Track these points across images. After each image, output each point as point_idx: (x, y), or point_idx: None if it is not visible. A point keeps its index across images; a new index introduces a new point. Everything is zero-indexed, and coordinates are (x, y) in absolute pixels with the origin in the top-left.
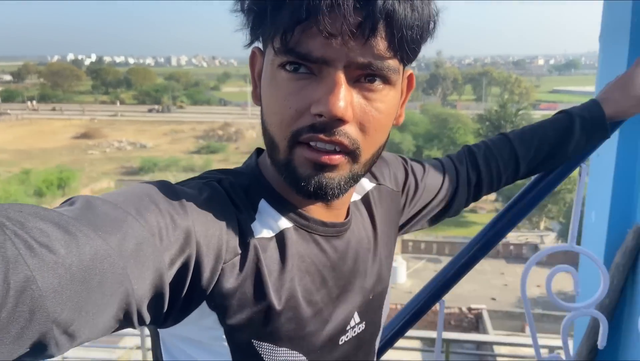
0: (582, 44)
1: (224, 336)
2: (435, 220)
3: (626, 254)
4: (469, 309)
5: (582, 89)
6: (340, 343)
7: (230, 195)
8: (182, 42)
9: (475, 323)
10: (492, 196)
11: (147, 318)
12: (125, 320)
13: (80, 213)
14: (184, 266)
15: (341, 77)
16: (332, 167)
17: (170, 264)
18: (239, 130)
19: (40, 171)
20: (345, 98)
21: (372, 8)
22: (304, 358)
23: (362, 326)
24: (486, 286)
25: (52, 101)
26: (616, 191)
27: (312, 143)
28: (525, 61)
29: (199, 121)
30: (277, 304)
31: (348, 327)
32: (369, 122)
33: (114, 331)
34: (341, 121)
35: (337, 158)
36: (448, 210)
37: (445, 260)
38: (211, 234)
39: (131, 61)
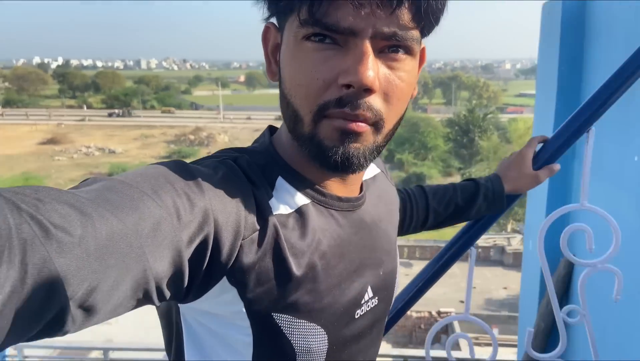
0: None
1: (244, 311)
2: None
3: (559, 282)
4: (438, 313)
5: None
6: (356, 316)
7: (247, 173)
8: (152, 45)
9: (444, 326)
10: None
11: (167, 294)
12: (145, 298)
13: (96, 194)
14: (203, 244)
15: (368, 47)
16: (357, 136)
17: (189, 242)
18: (210, 135)
19: (5, 179)
20: (373, 68)
21: None
22: (322, 330)
23: (375, 301)
24: (455, 288)
25: (18, 106)
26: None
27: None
28: (493, 65)
29: (170, 125)
30: (297, 276)
31: (362, 301)
32: (392, 91)
33: (134, 308)
34: (368, 92)
35: (363, 126)
36: None
37: (417, 263)
38: (229, 211)
39: (99, 64)
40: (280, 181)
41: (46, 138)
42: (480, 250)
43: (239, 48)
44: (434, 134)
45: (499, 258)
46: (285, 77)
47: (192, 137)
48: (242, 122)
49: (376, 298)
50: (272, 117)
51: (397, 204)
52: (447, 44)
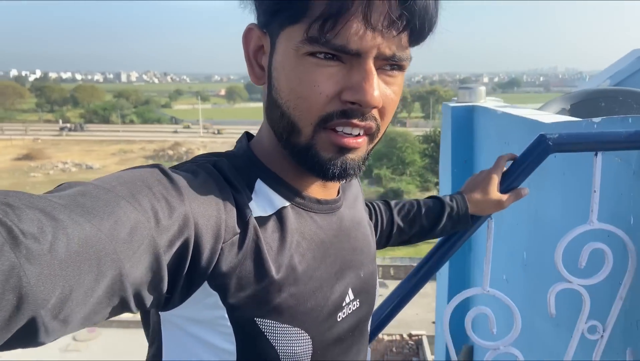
0: (523, 63)
1: (227, 316)
2: None
3: None
4: (410, 335)
5: (524, 106)
6: (338, 319)
7: (226, 176)
8: (132, 58)
9: (415, 349)
10: None
11: (147, 301)
12: (121, 305)
13: (69, 199)
14: (183, 248)
15: (372, 67)
16: (355, 149)
17: (169, 247)
18: (190, 150)
19: None
20: (378, 87)
21: (412, 4)
22: (306, 334)
23: (357, 304)
24: (428, 309)
25: None
26: (451, 294)
27: (339, 129)
28: (470, 79)
29: (149, 140)
30: (279, 280)
31: (344, 303)
32: (388, 104)
33: (111, 317)
34: (373, 108)
35: (361, 141)
36: None
37: (392, 283)
38: (209, 214)
39: (79, 77)
40: (259, 184)
41: (22, 154)
42: None
43: (220, 61)
44: (411, 150)
45: None
46: (282, 88)
47: (171, 152)
48: (222, 136)
49: (357, 300)
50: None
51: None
52: (426, 57)
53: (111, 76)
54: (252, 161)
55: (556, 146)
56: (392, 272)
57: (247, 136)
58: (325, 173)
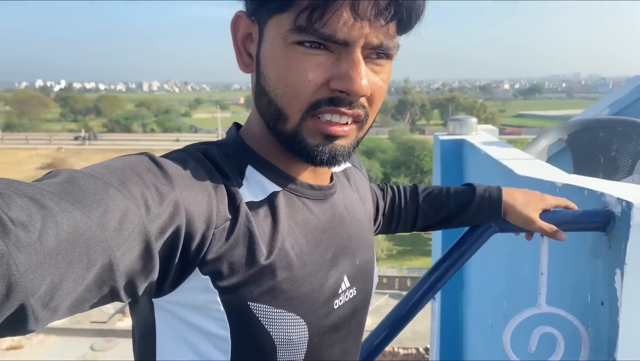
0: (545, 69)
1: (219, 300)
2: None
3: None
4: (426, 349)
5: (545, 113)
6: (335, 307)
7: (216, 163)
8: (154, 68)
9: None
10: None
11: (139, 289)
12: (112, 294)
13: (60, 187)
14: (175, 235)
15: (360, 56)
16: (343, 136)
17: (160, 234)
18: None
19: None
20: (366, 75)
21: None
22: (302, 320)
23: (354, 292)
24: None
25: (18, 130)
26: (443, 330)
27: (327, 117)
28: (491, 85)
29: (168, 149)
30: (271, 264)
31: (340, 290)
32: (377, 92)
33: (100, 305)
34: (361, 96)
35: (349, 129)
36: None
37: None
38: (199, 201)
39: (102, 87)
40: (250, 170)
41: (45, 163)
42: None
43: (239, 70)
44: (430, 158)
45: None
46: (270, 76)
47: None
48: None
49: (354, 288)
50: None
51: (370, 197)
52: (446, 64)
53: (133, 85)
54: (242, 148)
55: (499, 226)
56: (408, 283)
57: (236, 125)
58: (313, 159)
